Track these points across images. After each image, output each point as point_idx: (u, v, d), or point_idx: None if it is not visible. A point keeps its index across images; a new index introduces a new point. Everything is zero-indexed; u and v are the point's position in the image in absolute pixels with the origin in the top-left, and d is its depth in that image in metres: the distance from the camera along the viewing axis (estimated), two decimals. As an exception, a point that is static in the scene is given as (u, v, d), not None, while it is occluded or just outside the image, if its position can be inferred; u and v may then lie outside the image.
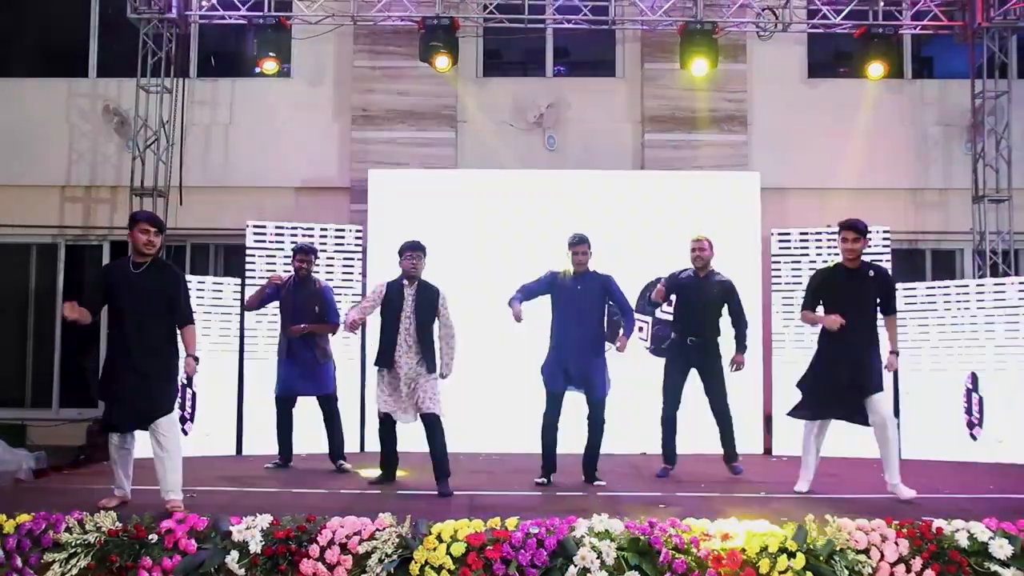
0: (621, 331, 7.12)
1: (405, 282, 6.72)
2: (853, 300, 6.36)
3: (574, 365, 6.90)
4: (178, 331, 5.78)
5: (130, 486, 5.80)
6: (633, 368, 8.54)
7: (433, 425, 6.57)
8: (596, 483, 6.92)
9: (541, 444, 6.96)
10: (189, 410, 8.55)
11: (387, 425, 6.81)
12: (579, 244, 6.98)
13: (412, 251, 6.70)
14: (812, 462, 6.56)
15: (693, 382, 7.51)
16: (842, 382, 6.28)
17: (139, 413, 5.59)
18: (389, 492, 6.52)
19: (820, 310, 6.50)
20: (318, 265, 8.32)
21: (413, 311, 6.65)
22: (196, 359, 5.80)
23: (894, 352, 6.50)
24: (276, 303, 8.01)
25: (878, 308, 6.48)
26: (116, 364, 5.65)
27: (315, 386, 7.90)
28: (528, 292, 7.01)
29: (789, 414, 6.68)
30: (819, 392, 6.42)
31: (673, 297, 7.65)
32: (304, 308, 7.77)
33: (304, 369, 7.82)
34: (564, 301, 6.98)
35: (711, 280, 7.46)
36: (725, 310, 7.47)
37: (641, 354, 9.20)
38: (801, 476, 6.55)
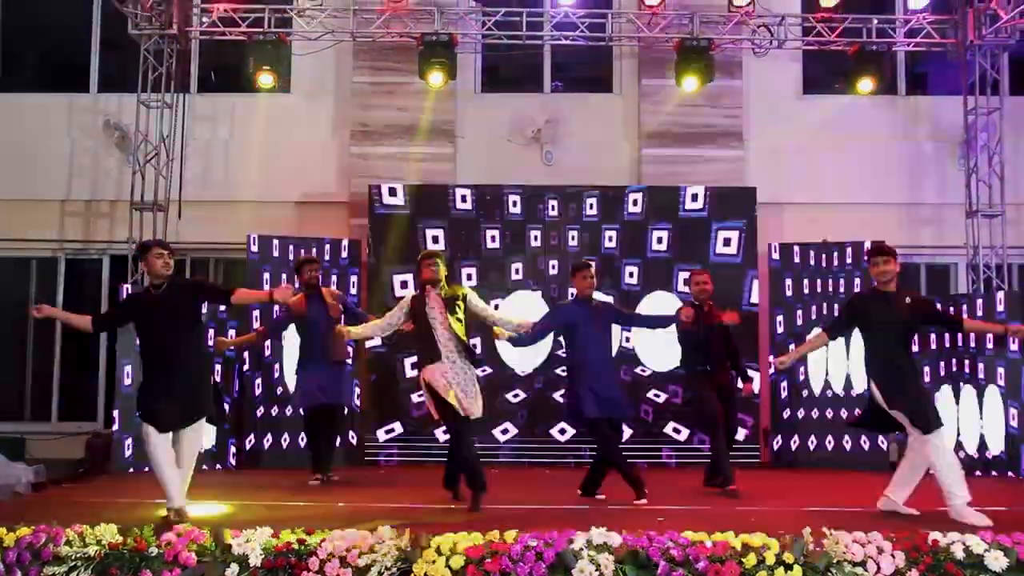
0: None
1: (429, 288, 6.69)
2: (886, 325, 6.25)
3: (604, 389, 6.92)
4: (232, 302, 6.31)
5: (179, 496, 5.96)
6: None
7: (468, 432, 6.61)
8: (598, 497, 6.93)
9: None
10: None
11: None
12: (582, 269, 7.06)
13: (429, 259, 6.73)
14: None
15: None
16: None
17: (186, 411, 5.97)
18: (387, 505, 6.52)
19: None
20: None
21: (442, 311, 6.60)
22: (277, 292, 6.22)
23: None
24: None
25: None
26: (155, 379, 6.00)
27: (334, 397, 7.98)
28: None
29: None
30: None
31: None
32: (323, 315, 7.85)
33: (324, 380, 7.90)
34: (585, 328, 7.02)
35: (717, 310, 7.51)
36: None
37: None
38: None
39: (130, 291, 6.75)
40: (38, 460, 9.38)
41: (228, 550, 4.77)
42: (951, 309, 8.39)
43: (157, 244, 6.29)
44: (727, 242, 9.50)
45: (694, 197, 9.63)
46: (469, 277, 9.38)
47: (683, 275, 9.01)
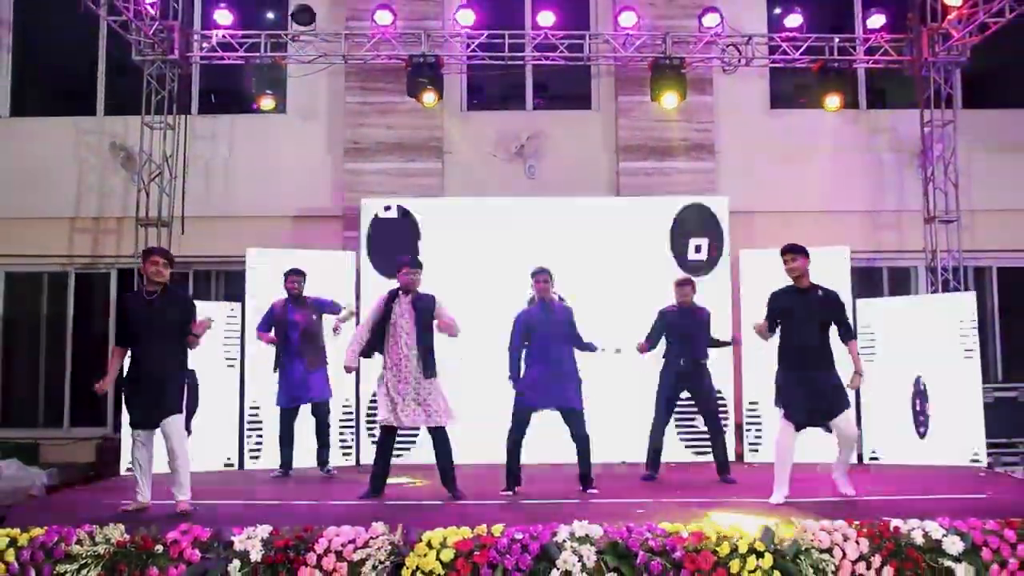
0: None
1: (401, 294, 6.73)
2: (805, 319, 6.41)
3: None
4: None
5: (150, 495, 6.07)
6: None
7: (442, 438, 6.66)
8: (589, 491, 6.92)
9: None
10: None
11: (388, 440, 6.75)
12: (539, 274, 7.08)
13: (410, 267, 6.75)
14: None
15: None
16: (808, 403, 6.30)
17: (154, 411, 6.02)
18: (381, 502, 6.52)
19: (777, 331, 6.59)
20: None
21: (412, 318, 6.65)
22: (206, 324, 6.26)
23: (858, 373, 6.50)
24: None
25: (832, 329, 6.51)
26: (138, 378, 6.06)
27: (311, 393, 8.09)
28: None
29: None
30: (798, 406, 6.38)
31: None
32: (305, 321, 8.11)
33: (299, 379, 8.01)
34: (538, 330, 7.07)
35: (696, 311, 7.89)
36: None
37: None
38: (780, 485, 6.37)
39: (125, 297, 6.67)
40: (51, 464, 9.37)
41: (230, 547, 4.78)
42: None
43: (157, 252, 6.35)
44: (698, 248, 9.55)
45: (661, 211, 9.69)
46: (454, 286, 9.32)
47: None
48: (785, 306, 6.50)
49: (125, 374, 6.18)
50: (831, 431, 6.49)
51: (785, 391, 6.40)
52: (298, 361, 8.07)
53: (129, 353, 6.15)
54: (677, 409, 8.08)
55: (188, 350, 6.23)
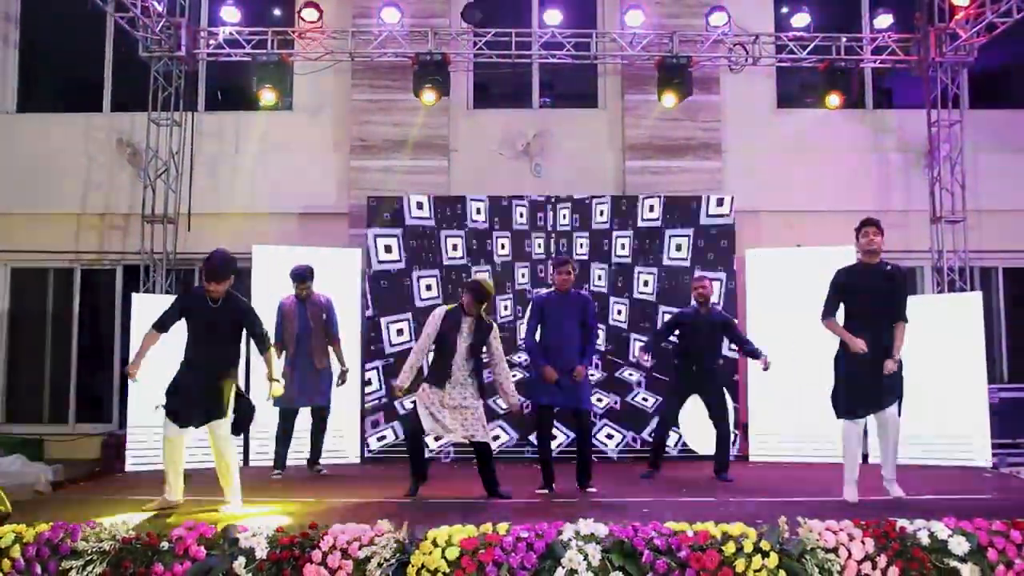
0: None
1: (463, 313, 6.63)
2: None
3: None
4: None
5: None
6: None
7: (485, 452, 6.64)
8: (588, 490, 6.92)
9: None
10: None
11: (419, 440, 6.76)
12: (562, 265, 7.07)
13: (474, 291, 6.57)
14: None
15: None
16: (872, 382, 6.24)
17: (204, 411, 6.07)
18: (386, 501, 6.52)
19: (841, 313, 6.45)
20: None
21: (468, 340, 6.57)
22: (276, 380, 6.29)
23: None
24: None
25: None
26: (186, 378, 6.10)
27: (310, 399, 8.04)
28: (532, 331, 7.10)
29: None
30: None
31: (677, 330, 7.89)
32: (313, 319, 8.06)
33: (302, 381, 7.95)
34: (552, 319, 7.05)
35: (713, 313, 7.85)
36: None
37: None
38: (849, 482, 6.31)
39: (188, 292, 6.62)
40: (56, 460, 9.38)
41: (235, 544, 4.78)
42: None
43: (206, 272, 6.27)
44: (679, 247, 9.57)
45: (651, 207, 9.70)
46: (460, 282, 9.37)
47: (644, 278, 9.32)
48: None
49: (179, 373, 6.13)
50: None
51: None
52: (304, 362, 8.02)
53: (188, 351, 6.16)
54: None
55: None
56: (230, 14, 10.08)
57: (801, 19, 10.20)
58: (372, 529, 4.82)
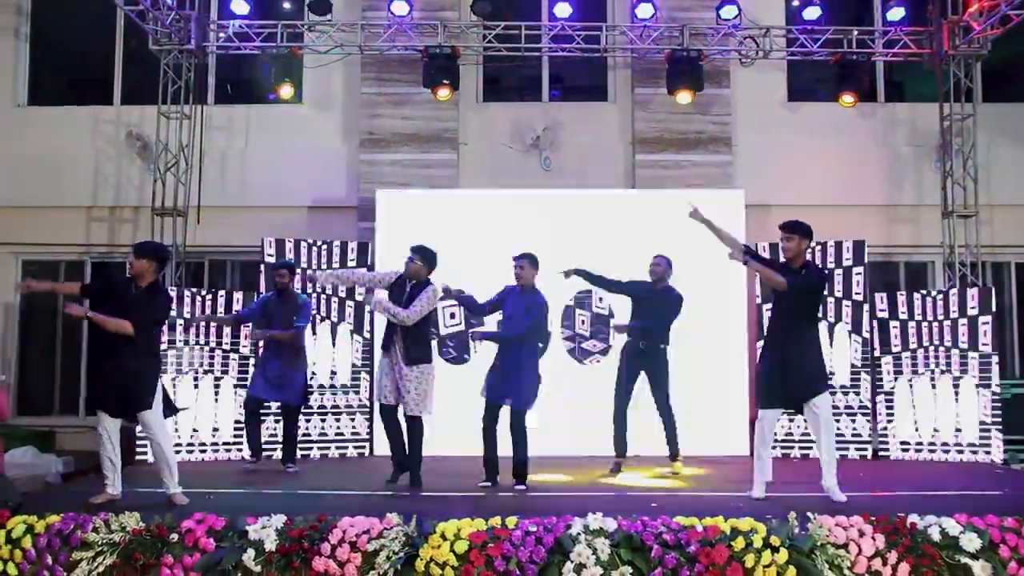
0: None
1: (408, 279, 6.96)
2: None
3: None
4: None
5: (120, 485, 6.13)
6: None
7: (413, 427, 6.83)
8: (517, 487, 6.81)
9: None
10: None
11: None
12: (515, 260, 7.09)
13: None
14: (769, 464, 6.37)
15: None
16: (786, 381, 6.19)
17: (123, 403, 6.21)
18: (396, 493, 6.53)
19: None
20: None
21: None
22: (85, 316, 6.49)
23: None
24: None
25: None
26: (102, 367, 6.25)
27: (279, 394, 8.01)
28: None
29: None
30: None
31: (630, 304, 7.82)
32: (285, 318, 7.96)
33: (272, 377, 7.94)
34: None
35: (666, 292, 7.71)
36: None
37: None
38: (758, 480, 6.27)
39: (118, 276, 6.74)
40: (67, 452, 9.40)
41: (245, 536, 4.79)
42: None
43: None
44: None
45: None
46: (468, 277, 9.29)
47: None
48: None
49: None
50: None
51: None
52: (274, 359, 7.95)
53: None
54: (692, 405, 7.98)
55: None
56: (240, 7, 10.07)
57: (812, 12, 10.12)
58: (381, 522, 4.82)
